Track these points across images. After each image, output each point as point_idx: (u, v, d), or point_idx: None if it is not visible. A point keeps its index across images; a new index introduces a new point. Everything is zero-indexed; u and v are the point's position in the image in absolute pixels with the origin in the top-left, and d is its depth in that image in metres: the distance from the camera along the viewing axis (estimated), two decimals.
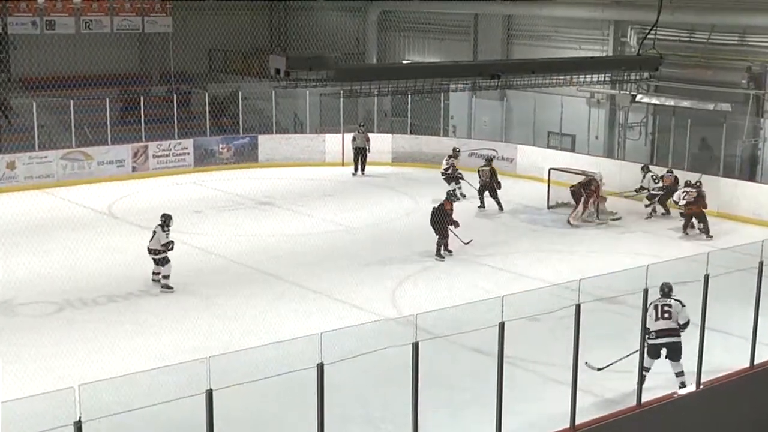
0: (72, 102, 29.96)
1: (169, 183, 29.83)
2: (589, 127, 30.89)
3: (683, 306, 13.42)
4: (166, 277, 19.08)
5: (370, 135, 31.54)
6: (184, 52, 36.20)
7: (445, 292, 18.65)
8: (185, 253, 21.74)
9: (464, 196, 26.15)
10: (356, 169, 31.08)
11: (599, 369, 13.54)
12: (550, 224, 24.67)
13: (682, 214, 23.81)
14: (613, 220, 24.93)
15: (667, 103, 28.75)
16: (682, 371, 13.35)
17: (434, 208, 21.84)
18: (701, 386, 13.12)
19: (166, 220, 19.27)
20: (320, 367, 9.49)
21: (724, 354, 14.02)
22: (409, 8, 36.73)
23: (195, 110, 34.02)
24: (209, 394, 8.94)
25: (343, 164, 31.97)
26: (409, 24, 37.38)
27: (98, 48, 34.56)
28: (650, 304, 13.35)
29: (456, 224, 21.45)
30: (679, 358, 13.32)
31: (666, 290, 13.66)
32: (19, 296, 18.56)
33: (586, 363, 13.55)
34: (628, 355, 13.23)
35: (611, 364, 13.14)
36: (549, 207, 25.97)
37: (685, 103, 28.03)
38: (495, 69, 20.50)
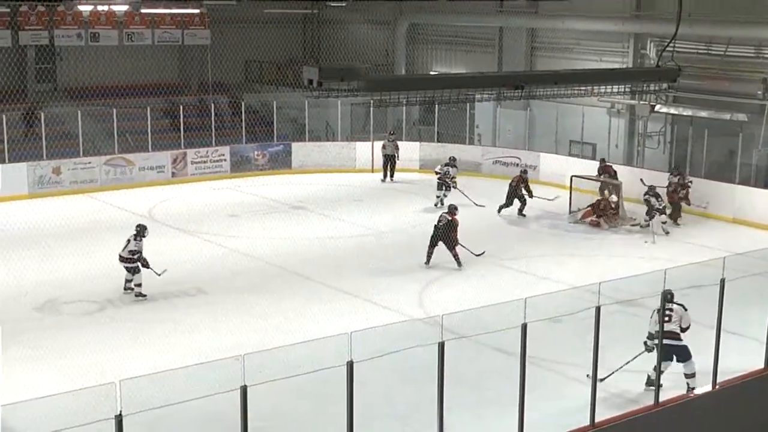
0: (115, 110, 30.15)
1: (206, 188, 29.96)
2: (609, 136, 30.77)
3: (686, 310, 13.30)
4: (138, 285, 18.69)
5: (399, 143, 31.56)
6: (222, 63, 36.33)
7: (470, 294, 18.62)
8: (221, 255, 21.86)
9: (442, 204, 25.78)
10: (385, 176, 31.11)
11: (601, 380, 13.40)
12: (571, 229, 24.60)
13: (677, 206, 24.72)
14: (633, 225, 24.83)
15: (684, 113, 28.64)
16: (693, 372, 13.24)
17: (442, 223, 21.04)
18: (717, 386, 13.05)
19: (140, 230, 19.00)
20: (350, 365, 9.50)
21: (739, 356, 13.91)
22: (437, 21, 36.70)
23: (231, 119, 34.11)
24: (244, 390, 8.97)
25: (372, 171, 31.99)
26: (437, 36, 37.37)
27: (140, 59, 34.76)
28: (654, 310, 13.36)
29: (456, 242, 20.89)
30: (688, 358, 13.21)
31: (668, 297, 13.43)
32: (63, 296, 18.69)
33: (588, 376, 13.52)
34: (628, 362, 13.10)
35: (612, 373, 13.00)
36: (570, 212, 25.87)
37: (703, 113, 27.91)
38: (519, 80, 20.44)
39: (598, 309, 11.56)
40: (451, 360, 10.29)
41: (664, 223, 23.72)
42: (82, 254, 19.51)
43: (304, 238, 23.65)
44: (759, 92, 26.78)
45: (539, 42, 33.89)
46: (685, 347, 13.28)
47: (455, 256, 20.96)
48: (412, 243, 21.91)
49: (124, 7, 32.71)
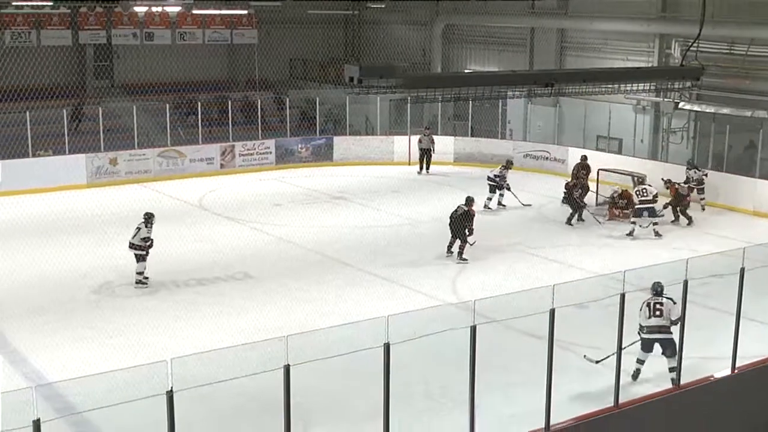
0: (168, 105, 30.30)
1: (252, 179, 30.06)
2: (635, 131, 30.59)
3: (674, 303, 12.98)
4: (140, 273, 18.57)
5: (435, 137, 31.49)
6: (268, 61, 36.45)
7: (501, 280, 18.57)
8: (266, 242, 21.92)
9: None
10: (421, 168, 31.07)
11: (597, 362, 13.27)
12: (591, 220, 24.41)
13: (683, 207, 24.03)
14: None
15: (707, 110, 28.37)
16: (674, 367, 12.86)
17: (459, 213, 20.83)
18: (736, 370, 12.95)
19: (149, 218, 18.89)
20: (386, 347, 9.50)
21: (758, 342, 13.77)
22: (471, 22, 36.60)
23: (277, 114, 34.19)
24: (287, 370, 9.00)
25: (409, 163, 31.93)
26: (471, 37, 37.26)
27: (191, 57, 34.96)
28: (643, 302, 13.18)
29: (471, 231, 20.67)
30: (674, 354, 12.89)
31: (658, 290, 13.36)
32: (119, 279, 18.82)
33: (585, 356, 13.44)
34: (625, 347, 12.96)
35: (608, 357, 12.85)
36: (597, 204, 25.69)
37: (725, 110, 27.65)
38: (549, 78, 20.28)
39: (622, 296, 11.51)
40: (483, 343, 10.27)
41: (656, 224, 22.89)
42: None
43: (344, 226, 23.68)
44: None
45: (568, 42, 33.69)
46: (672, 341, 12.92)
47: (462, 249, 20.56)
48: (447, 232, 21.83)
49: (177, 8, 32.94)
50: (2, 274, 18.69)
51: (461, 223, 20.66)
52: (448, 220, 20.94)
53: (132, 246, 18.74)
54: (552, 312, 10.82)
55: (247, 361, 9.14)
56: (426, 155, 31.07)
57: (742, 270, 12.52)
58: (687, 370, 12.47)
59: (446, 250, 20.85)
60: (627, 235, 22.45)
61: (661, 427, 12.29)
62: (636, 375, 13.37)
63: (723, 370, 13.01)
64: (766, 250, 14.39)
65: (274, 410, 9.19)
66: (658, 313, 13.15)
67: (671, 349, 12.96)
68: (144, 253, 18.63)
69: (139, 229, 18.77)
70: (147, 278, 18.55)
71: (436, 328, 10.34)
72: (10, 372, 14.02)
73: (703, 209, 25.43)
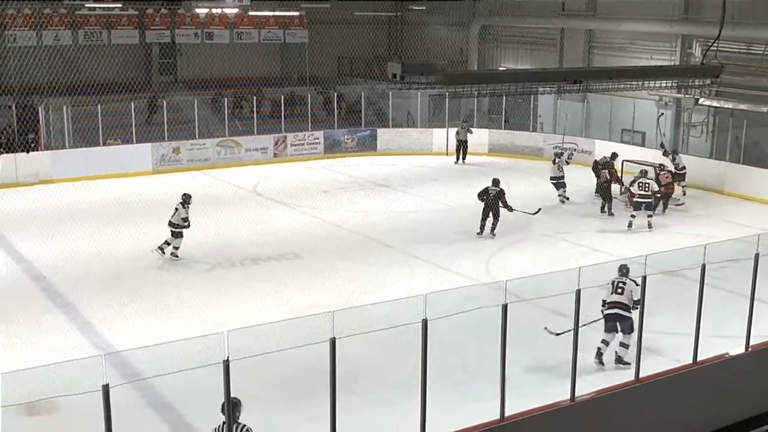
0: (225, 99, 30.47)
1: (303, 167, 30.14)
2: (657, 125, 30.28)
3: (637, 285, 12.63)
4: (177, 248, 18.89)
5: (473, 131, 31.39)
6: (317, 59, 36.50)
7: (531, 262, 18.48)
8: (314, 225, 21.99)
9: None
10: (458, 158, 30.96)
11: (557, 334, 13.00)
12: (622, 207, 24.19)
13: (661, 195, 23.27)
14: (677, 205, 24.40)
15: (726, 106, 28.01)
16: (629, 345, 12.90)
17: (493, 194, 21.04)
18: (749, 349, 12.81)
19: (186, 199, 19.15)
20: (424, 323, 9.49)
21: None
22: (506, 23, 36.37)
23: (325, 107, 34.23)
24: (333, 342, 9.01)
25: (447, 154, 31.82)
26: (505, 37, 37.02)
27: (247, 55, 35.11)
28: (608, 281, 13.14)
29: (510, 208, 21.01)
30: (630, 331, 12.80)
31: (624, 271, 13.30)
32: (181, 257, 18.97)
33: (545, 328, 13.30)
34: (588, 323, 12.81)
35: (568, 331, 12.66)
36: (621, 193, 25.44)
37: (742, 106, 27.28)
38: (577, 75, 20.15)
39: (644, 278, 11.42)
40: (513, 320, 10.23)
41: (650, 216, 22.16)
42: (196, 223, 19.74)
43: (386, 211, 23.68)
44: None
45: (596, 41, 33.37)
46: (631, 319, 12.82)
47: (495, 225, 20.97)
48: (478, 217, 21.78)
49: (235, 10, 33.02)
50: (75, 253, 18.94)
51: (496, 202, 20.98)
52: (482, 202, 21.11)
53: (171, 224, 19.00)
54: (578, 292, 10.76)
55: (296, 334, 9.18)
56: (462, 146, 30.96)
57: (757, 255, 12.36)
58: (703, 347, 12.36)
59: (481, 230, 21.04)
60: (627, 227, 21.84)
61: (678, 400, 12.18)
62: (599, 355, 13.22)
63: (737, 348, 12.86)
64: None
65: (321, 379, 9.22)
66: (619, 291, 13.11)
67: (627, 326, 12.90)
68: (181, 230, 18.93)
69: (177, 209, 19.03)
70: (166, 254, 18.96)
71: (471, 305, 10.32)
72: (82, 341, 14.21)
73: (684, 194, 25.32)
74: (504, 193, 21.20)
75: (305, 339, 9.05)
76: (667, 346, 13.16)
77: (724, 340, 13.05)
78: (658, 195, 22.61)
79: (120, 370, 11.40)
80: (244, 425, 8.89)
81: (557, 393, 11.17)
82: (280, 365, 11.18)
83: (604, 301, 13.17)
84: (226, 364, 8.44)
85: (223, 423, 8.82)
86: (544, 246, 20.25)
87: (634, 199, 21.97)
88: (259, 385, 11.53)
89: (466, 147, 30.99)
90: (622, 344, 13.16)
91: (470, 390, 11.94)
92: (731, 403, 12.69)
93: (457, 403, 11.31)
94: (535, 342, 13.72)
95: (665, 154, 26.00)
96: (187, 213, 19.00)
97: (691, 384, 12.29)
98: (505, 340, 10.22)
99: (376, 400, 11.94)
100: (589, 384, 11.39)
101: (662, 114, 29.53)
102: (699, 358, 12.30)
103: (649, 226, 21.86)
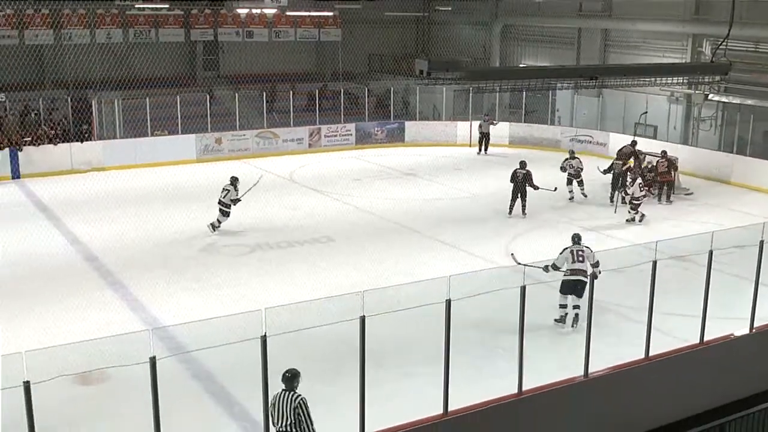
0: (264, 93, 30.52)
1: (335, 157, 30.17)
2: (668, 119, 30.04)
3: (592, 251, 13.42)
4: (220, 222, 19.51)
5: (494, 122, 31.31)
6: (350, 56, 36.41)
7: (548, 247, 18.34)
8: (346, 210, 22.03)
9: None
10: (480, 150, 30.86)
11: (523, 263, 12.29)
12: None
13: (660, 184, 23.19)
14: (687, 194, 24.19)
15: (734, 101, 27.72)
16: (579, 306, 13.40)
17: (520, 177, 21.46)
18: (753, 330, 12.72)
19: (234, 181, 19.63)
20: (448, 303, 9.50)
21: None
22: (526, 23, 36.13)
23: (357, 101, 34.20)
24: (362, 320, 9.05)
25: (470, 145, 31.72)
26: (526, 35, 36.79)
27: (285, 52, 35.12)
28: (566, 249, 13.73)
29: (536, 187, 21.46)
30: (582, 295, 13.06)
31: (576, 239, 13.92)
32: (221, 240, 19.11)
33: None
34: (537, 266, 12.95)
35: (533, 265, 12.51)
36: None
37: (749, 102, 26.99)
38: (593, 72, 20.01)
39: (654, 263, 11.35)
40: (531, 301, 10.22)
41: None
42: (237, 207, 19.83)
43: (413, 198, 23.66)
44: None
45: (611, 40, 33.09)
46: (585, 283, 12.94)
47: (525, 205, 21.41)
48: (502, 205, 21.72)
49: (273, 10, 33.07)
50: (125, 235, 19.11)
51: (525, 184, 21.35)
52: (512, 183, 21.54)
53: (221, 203, 19.46)
54: (592, 275, 10.73)
55: (328, 311, 9.21)
56: (485, 138, 30.85)
57: (762, 242, 12.28)
58: (710, 327, 12.27)
59: (511, 211, 21.41)
60: (627, 221, 21.09)
61: (686, 377, 12.12)
62: (563, 319, 13.65)
63: (742, 329, 12.77)
64: None
65: (352, 354, 9.25)
66: (580, 258, 13.54)
67: (582, 291, 13.22)
68: (228, 210, 19.42)
69: (227, 191, 19.42)
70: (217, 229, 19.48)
71: (491, 287, 10.32)
72: (131, 317, 14.35)
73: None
74: (531, 175, 21.53)
75: (337, 317, 9.08)
76: (675, 327, 13.07)
77: (730, 322, 12.96)
78: (647, 188, 22.43)
79: (166, 343, 11.53)
80: (300, 395, 8.85)
81: (572, 370, 11.16)
82: (313, 341, 11.22)
83: (566, 271, 13.51)
84: (264, 340, 8.49)
85: (282, 390, 8.82)
86: (560, 232, 20.03)
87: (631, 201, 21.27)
88: (293, 359, 11.59)
89: (489, 139, 30.88)
90: (575, 306, 13.61)
91: (490, 366, 11.94)
92: (736, 381, 12.60)
93: (477, 378, 11.33)
94: (552, 321, 13.71)
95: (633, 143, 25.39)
96: (236, 194, 19.47)
97: (698, 362, 12.21)
98: (523, 320, 10.21)
99: (403, 374, 11.97)
100: (602, 361, 11.34)
101: (645, 113, 29.58)
102: (706, 338, 12.23)
103: (635, 219, 21.19)
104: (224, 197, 19.51)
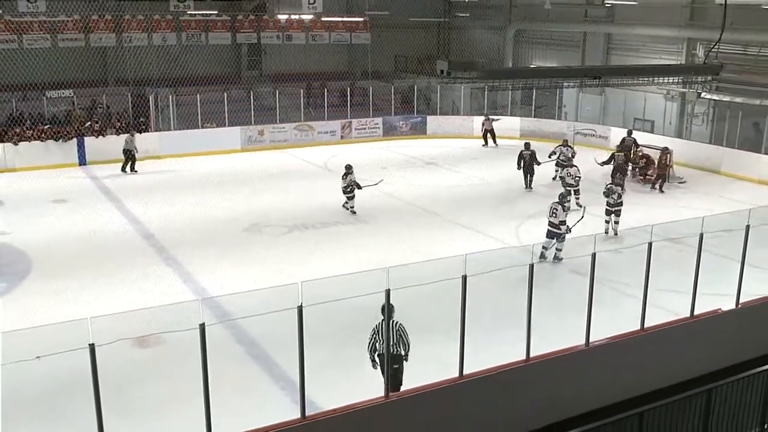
0: (302, 91, 30.52)
1: (365, 148, 30.12)
2: (664, 115, 29.72)
3: (564, 211, 16.16)
4: (353, 206, 19.75)
5: (506, 118, 31.14)
6: (378, 57, 36.30)
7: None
8: (373, 195, 21.98)
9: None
10: (486, 143, 30.33)
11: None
12: (634, 184, 23.82)
13: (658, 176, 23.06)
14: (680, 183, 23.95)
15: (724, 99, 27.38)
16: (561, 249, 15.77)
17: (527, 159, 22.79)
18: (739, 305, 12.60)
19: (349, 169, 19.88)
20: (464, 279, 9.48)
21: (759, 283, 13.30)
22: (537, 27, 35.78)
23: (384, 97, 34.11)
24: (387, 293, 9.07)
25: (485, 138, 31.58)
26: (536, 39, 36.47)
27: (320, 54, 35.01)
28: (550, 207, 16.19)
29: (539, 163, 22.84)
30: (563, 240, 15.80)
31: (561, 199, 16.26)
32: (264, 221, 19.18)
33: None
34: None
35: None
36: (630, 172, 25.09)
37: (738, 99, 26.67)
38: (597, 72, 19.85)
39: (650, 244, 11.27)
40: (539, 278, 10.18)
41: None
42: (277, 192, 19.96)
43: (434, 185, 23.61)
44: None
45: (614, 43, 32.74)
46: (562, 234, 15.85)
47: (531, 180, 22.79)
48: (513, 191, 21.64)
49: (310, 17, 32.95)
50: (179, 216, 19.23)
51: (532, 162, 22.78)
52: (521, 163, 22.91)
53: (344, 190, 19.82)
54: (593, 255, 10.66)
55: (358, 285, 9.22)
56: (490, 134, 30.43)
57: (747, 227, 12.14)
58: (699, 302, 12.17)
59: (526, 186, 22.75)
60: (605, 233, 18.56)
61: (678, 348, 12.06)
62: (542, 255, 15.42)
63: (729, 305, 12.65)
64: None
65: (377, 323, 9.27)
66: (553, 215, 16.05)
67: (561, 239, 15.81)
68: (352, 194, 19.78)
69: (347, 177, 19.77)
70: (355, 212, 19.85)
71: (503, 265, 10.29)
72: (183, 288, 14.46)
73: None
74: (535, 153, 22.90)
75: (365, 290, 9.09)
76: (669, 302, 12.97)
77: (718, 298, 12.83)
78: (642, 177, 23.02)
79: (214, 311, 11.59)
80: (398, 321, 9.85)
81: (575, 338, 11.11)
82: (343, 312, 11.21)
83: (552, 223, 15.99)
84: (300, 309, 8.53)
85: (381, 321, 9.69)
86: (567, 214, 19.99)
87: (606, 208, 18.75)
88: (327, 327, 11.65)
89: (494, 133, 30.54)
90: (558, 249, 15.78)
91: (501, 335, 11.90)
92: (722, 351, 12.50)
93: (489, 346, 11.29)
94: (557, 296, 13.64)
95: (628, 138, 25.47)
96: (354, 178, 19.78)
97: (689, 333, 12.13)
98: (531, 294, 10.17)
99: (423, 341, 11.95)
100: (601, 332, 11.28)
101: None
102: (696, 312, 12.14)
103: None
104: (344, 183, 19.81)
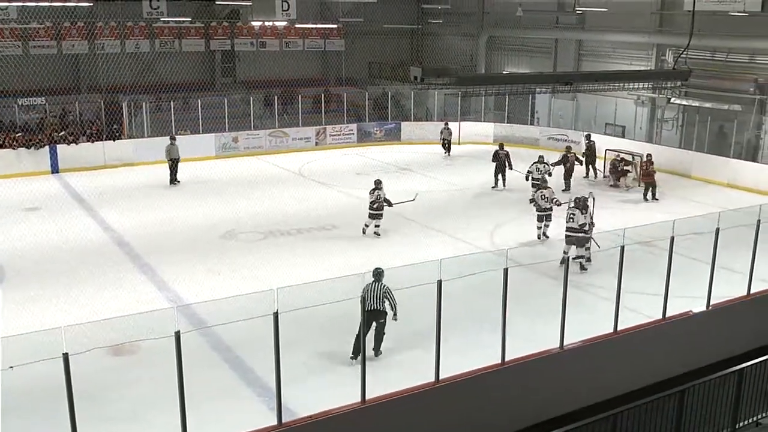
0: (276, 97, 30.45)
1: (339, 154, 30.10)
2: (635, 120, 29.98)
3: (582, 214, 15.58)
4: (377, 226, 18.49)
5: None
6: (352, 64, 36.35)
7: (529, 234, 18.40)
8: (349, 201, 22.00)
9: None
10: (447, 151, 29.83)
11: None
12: (606, 189, 23.99)
13: (646, 185, 22.82)
14: (626, 187, 24.17)
15: (693, 104, 27.68)
16: (583, 256, 15.35)
17: (502, 157, 23.43)
18: (710, 307, 12.74)
19: (378, 184, 18.59)
20: (439, 284, 9.50)
21: (728, 285, 13.46)
22: (509, 34, 35.94)
23: (358, 104, 34.13)
24: (363, 299, 9.04)
25: (459, 143, 31.62)
26: (508, 45, 36.64)
27: (294, 60, 34.96)
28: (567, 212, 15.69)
29: (511, 166, 23.39)
30: (589, 248, 15.39)
31: (578, 203, 15.65)
32: (239, 227, 19.08)
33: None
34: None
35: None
36: (604, 176, 25.28)
37: (707, 104, 26.97)
38: (569, 78, 20.00)
39: (622, 248, 11.36)
40: (514, 282, 10.21)
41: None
42: (252, 198, 19.84)
43: (408, 191, 23.58)
44: (751, 89, 25.84)
45: (585, 49, 33.00)
46: (586, 239, 15.34)
47: (505, 179, 23.35)
48: (486, 196, 21.72)
49: (284, 23, 32.88)
50: (153, 223, 19.09)
51: (505, 161, 23.43)
52: (495, 162, 23.53)
53: (371, 207, 18.41)
54: (567, 259, 10.72)
55: (333, 291, 9.20)
56: (447, 143, 29.90)
57: (717, 230, 12.28)
58: (671, 305, 12.29)
59: (495, 184, 23.41)
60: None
61: (650, 349, 12.16)
62: (563, 261, 14.59)
63: (700, 307, 12.79)
64: (738, 215, 14.00)
65: (353, 329, 9.25)
66: (572, 219, 15.51)
67: (583, 244, 15.34)
68: (381, 212, 18.40)
69: (374, 191, 18.42)
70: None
71: (478, 269, 10.31)
72: (158, 295, 14.35)
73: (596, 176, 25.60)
74: (509, 154, 23.56)
75: (341, 295, 9.08)
76: (641, 305, 13.09)
77: (689, 300, 12.97)
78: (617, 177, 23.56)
79: (189, 319, 11.53)
80: (386, 285, 10.97)
81: (548, 342, 11.16)
82: (319, 317, 11.20)
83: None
84: (276, 316, 8.50)
85: (373, 282, 10.82)
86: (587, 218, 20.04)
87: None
88: (302, 332, 11.61)
89: (450, 143, 30.04)
90: (579, 256, 15.42)
91: (477, 339, 11.94)
92: (694, 352, 12.63)
93: (466, 349, 11.32)
94: (531, 299, 13.69)
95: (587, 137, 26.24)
96: (384, 194, 18.43)
97: (661, 336, 12.24)
98: (505, 298, 10.21)
99: (399, 346, 11.97)
100: (578, 335, 11.35)
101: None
102: (667, 314, 12.25)
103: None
104: (372, 200, 18.42)
